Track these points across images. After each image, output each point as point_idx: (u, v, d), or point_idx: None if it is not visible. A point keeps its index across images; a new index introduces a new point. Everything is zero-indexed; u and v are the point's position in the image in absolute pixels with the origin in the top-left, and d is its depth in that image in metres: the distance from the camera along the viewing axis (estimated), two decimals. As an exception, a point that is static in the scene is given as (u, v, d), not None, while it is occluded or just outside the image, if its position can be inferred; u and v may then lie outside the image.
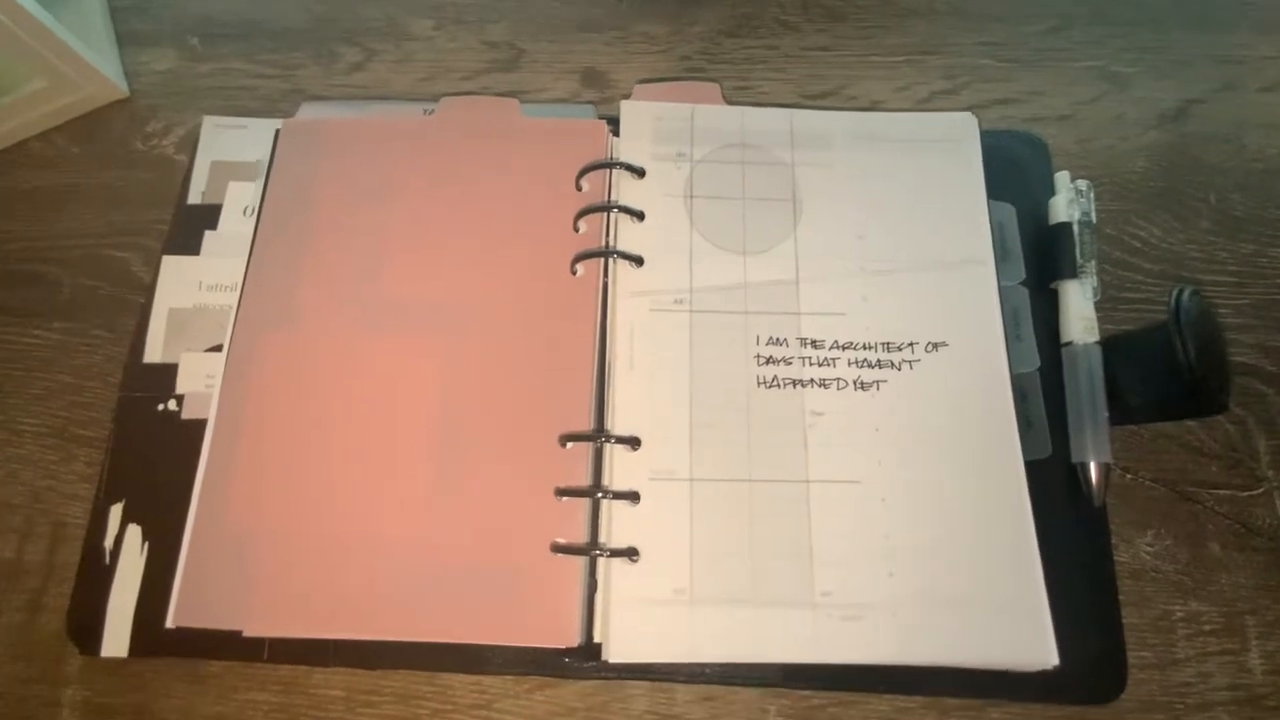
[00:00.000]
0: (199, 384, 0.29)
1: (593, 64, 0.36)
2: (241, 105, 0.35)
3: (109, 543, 0.27)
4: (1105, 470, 0.26)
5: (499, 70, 0.36)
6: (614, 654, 0.24)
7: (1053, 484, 0.26)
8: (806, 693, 0.25)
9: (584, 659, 0.25)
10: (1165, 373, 0.23)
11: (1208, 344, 0.23)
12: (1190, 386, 0.22)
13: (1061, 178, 0.30)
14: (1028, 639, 0.24)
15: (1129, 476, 0.28)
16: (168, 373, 0.29)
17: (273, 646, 0.25)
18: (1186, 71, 0.34)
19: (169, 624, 0.25)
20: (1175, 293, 0.23)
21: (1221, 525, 0.27)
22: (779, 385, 0.27)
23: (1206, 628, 0.26)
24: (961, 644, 0.24)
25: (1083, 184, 0.29)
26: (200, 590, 0.25)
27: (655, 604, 0.24)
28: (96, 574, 0.26)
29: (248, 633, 0.25)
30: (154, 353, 0.29)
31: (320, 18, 0.37)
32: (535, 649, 0.25)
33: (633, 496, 0.25)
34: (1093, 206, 0.29)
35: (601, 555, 0.25)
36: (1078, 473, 0.26)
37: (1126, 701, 0.25)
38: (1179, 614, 0.26)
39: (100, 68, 0.34)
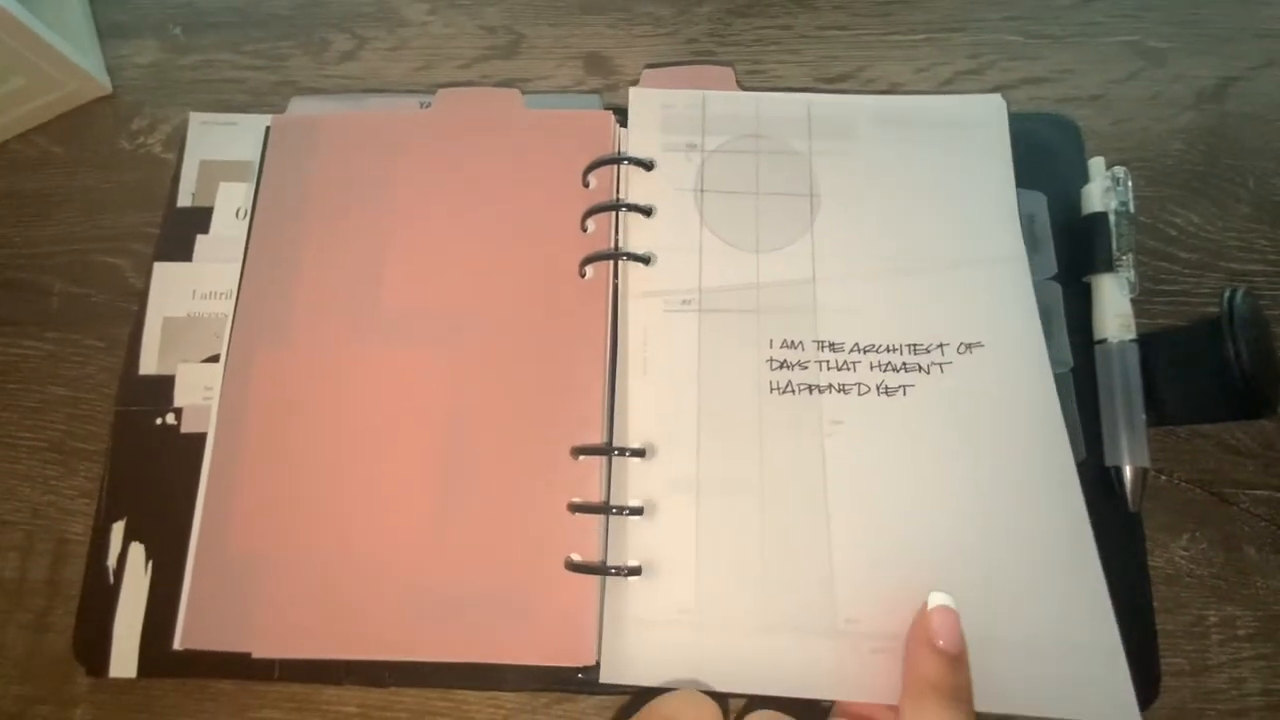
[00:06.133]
0: (197, 396, 0.28)
1: (596, 48, 0.34)
2: (229, 99, 0.33)
3: (112, 562, 0.26)
4: (1142, 474, 0.25)
5: (498, 57, 0.34)
6: (607, 674, 0.23)
7: (1085, 488, 0.25)
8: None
9: (599, 675, 0.24)
10: (1212, 375, 0.22)
11: (1259, 346, 0.22)
12: (1243, 390, 0.21)
13: (1096, 164, 0.28)
14: (1099, 685, 0.21)
15: (1164, 478, 0.27)
16: (164, 385, 0.28)
17: (283, 665, 0.25)
18: (1225, 47, 0.32)
19: (176, 646, 0.24)
20: (1228, 294, 0.21)
21: (1258, 528, 0.26)
22: (793, 391, 0.26)
23: (1241, 632, 0.25)
24: (1017, 689, 0.21)
25: (1120, 171, 0.27)
26: (207, 612, 0.24)
27: (656, 625, 0.23)
28: (101, 594, 0.26)
29: (256, 654, 0.24)
30: (149, 364, 0.28)
31: (308, 3, 0.35)
32: (550, 666, 0.24)
33: (641, 511, 0.24)
34: (1131, 195, 0.27)
35: (617, 574, 0.24)
36: (1111, 476, 0.25)
37: (1159, 710, 0.24)
38: (1213, 619, 0.26)
39: (81, 63, 0.32)
